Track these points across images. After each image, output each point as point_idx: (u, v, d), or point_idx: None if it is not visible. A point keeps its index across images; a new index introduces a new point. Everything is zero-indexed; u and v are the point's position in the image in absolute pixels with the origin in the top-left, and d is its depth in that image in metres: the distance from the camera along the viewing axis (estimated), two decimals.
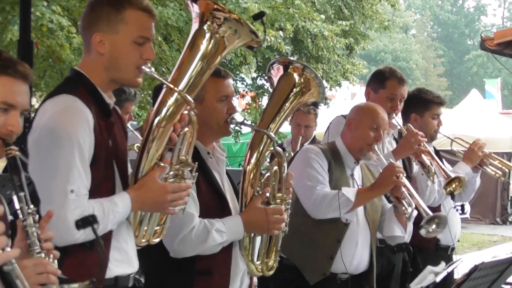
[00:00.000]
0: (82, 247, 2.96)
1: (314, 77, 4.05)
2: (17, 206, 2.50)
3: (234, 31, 3.35)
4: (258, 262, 3.87)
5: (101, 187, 3.07)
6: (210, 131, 3.71)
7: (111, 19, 3.17)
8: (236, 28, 3.35)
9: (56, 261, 2.55)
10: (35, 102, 12.22)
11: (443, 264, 3.74)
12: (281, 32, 15.28)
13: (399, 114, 5.69)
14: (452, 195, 5.52)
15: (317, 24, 16.84)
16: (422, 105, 5.87)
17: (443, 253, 5.77)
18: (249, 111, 17.99)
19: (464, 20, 74.55)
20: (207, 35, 3.33)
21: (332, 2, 18.96)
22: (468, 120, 18.88)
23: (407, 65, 61.33)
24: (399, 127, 5.63)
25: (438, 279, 3.58)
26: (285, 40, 15.80)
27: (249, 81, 18.88)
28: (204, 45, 3.33)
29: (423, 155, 5.45)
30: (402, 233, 4.89)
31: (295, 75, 4.06)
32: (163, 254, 3.60)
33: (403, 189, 4.69)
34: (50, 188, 2.94)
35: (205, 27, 3.33)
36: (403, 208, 4.73)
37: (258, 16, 3.81)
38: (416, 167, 5.70)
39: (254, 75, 18.78)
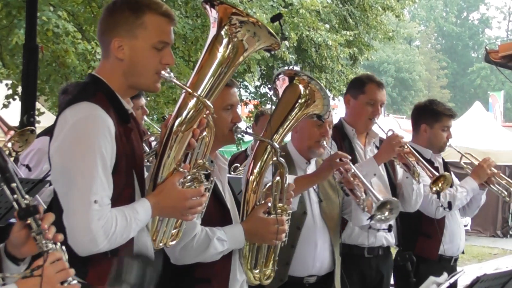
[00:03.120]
0: (105, 256, 2.93)
1: (319, 89, 4.07)
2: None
3: (253, 34, 3.34)
4: (257, 271, 3.86)
5: (122, 195, 3.03)
6: (214, 139, 3.71)
7: (130, 24, 3.11)
8: (255, 31, 3.34)
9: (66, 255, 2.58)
10: (40, 106, 12.24)
11: (445, 275, 3.70)
12: (286, 41, 15.28)
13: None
14: (438, 194, 5.49)
15: (322, 33, 16.88)
16: (432, 116, 5.92)
17: (446, 264, 5.78)
18: (251, 118, 17.99)
19: (468, 32, 74.52)
20: (225, 40, 3.32)
21: (337, 11, 18.95)
22: (470, 132, 18.85)
23: (410, 76, 61.31)
24: (384, 131, 5.56)
25: None
26: (289, 49, 15.79)
27: (252, 89, 18.90)
28: (222, 50, 3.32)
29: (407, 157, 5.38)
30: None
31: (301, 87, 4.07)
32: (164, 261, 3.60)
33: (352, 179, 4.67)
34: (73, 199, 2.90)
35: (223, 32, 3.32)
36: (358, 199, 4.70)
37: (276, 18, 3.82)
38: (400, 173, 5.65)
39: (258, 83, 18.80)
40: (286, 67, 16.86)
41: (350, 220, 5.10)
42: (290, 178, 4.44)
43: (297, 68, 17.44)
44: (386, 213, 4.67)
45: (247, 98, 18.96)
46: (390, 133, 5.40)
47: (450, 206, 5.69)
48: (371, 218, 4.63)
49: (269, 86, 17.74)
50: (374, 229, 5.29)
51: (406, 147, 5.30)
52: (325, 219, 4.82)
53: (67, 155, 2.93)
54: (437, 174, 5.34)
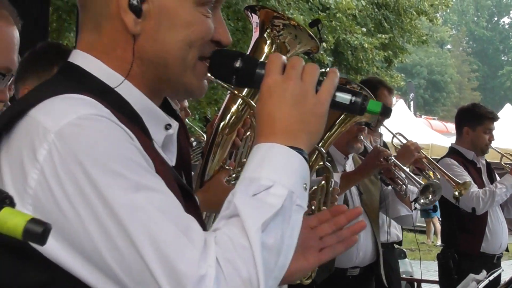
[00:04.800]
0: None
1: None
2: None
3: (294, 36, 3.27)
4: None
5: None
6: None
7: None
8: (296, 34, 3.27)
9: None
10: None
11: (484, 272, 3.67)
12: (324, 44, 15.16)
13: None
14: (457, 200, 5.44)
15: (358, 36, 16.74)
16: (475, 119, 5.90)
17: (489, 261, 5.71)
18: None
19: (499, 36, 73.62)
20: (268, 41, 3.24)
21: (373, 15, 18.77)
22: (501, 133, 18.52)
23: (442, 78, 60.74)
24: (391, 132, 5.62)
25: (480, 287, 3.52)
26: (326, 51, 15.68)
27: None
28: (267, 50, 3.23)
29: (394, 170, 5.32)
30: (408, 212, 4.86)
31: None
32: None
33: (394, 169, 4.67)
34: None
35: (265, 35, 3.25)
36: (399, 187, 4.72)
37: (314, 23, 3.75)
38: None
39: None
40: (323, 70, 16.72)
41: (386, 214, 5.06)
42: (336, 176, 4.39)
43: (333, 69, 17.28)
44: (430, 196, 4.69)
45: None
46: (399, 137, 5.54)
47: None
48: (415, 201, 4.65)
49: None
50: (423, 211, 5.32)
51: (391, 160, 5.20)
52: (367, 211, 4.75)
53: None
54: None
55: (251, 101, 3.09)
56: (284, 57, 1.56)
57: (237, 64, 1.57)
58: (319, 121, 1.53)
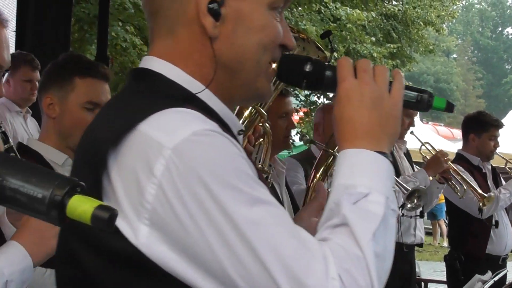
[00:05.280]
0: None
1: None
2: None
3: (302, 49, 3.24)
4: None
5: None
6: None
7: None
8: (304, 46, 3.24)
9: None
10: None
11: (489, 273, 3.68)
12: (334, 53, 15.15)
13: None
14: (481, 211, 5.47)
15: (367, 46, 16.70)
16: (480, 126, 5.92)
17: (494, 263, 5.70)
18: (302, 124, 17.92)
19: (503, 45, 73.26)
20: None
21: (381, 26, 18.71)
22: (505, 139, 18.40)
23: (448, 86, 60.51)
24: (420, 141, 5.82)
25: (486, 287, 3.54)
26: (337, 60, 15.63)
27: (302, 98, 18.78)
28: None
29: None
30: None
31: None
32: None
33: None
34: None
35: None
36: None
37: (326, 35, 3.75)
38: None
39: (307, 92, 18.66)
40: None
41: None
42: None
43: None
44: (415, 201, 4.73)
45: (297, 106, 18.87)
46: (427, 146, 5.74)
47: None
48: (402, 206, 4.70)
49: (318, 94, 17.56)
50: (407, 217, 5.27)
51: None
52: None
53: None
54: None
55: (261, 109, 3.06)
56: (351, 60, 1.54)
57: (307, 68, 1.54)
58: (396, 122, 1.51)
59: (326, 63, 1.57)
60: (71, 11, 6.57)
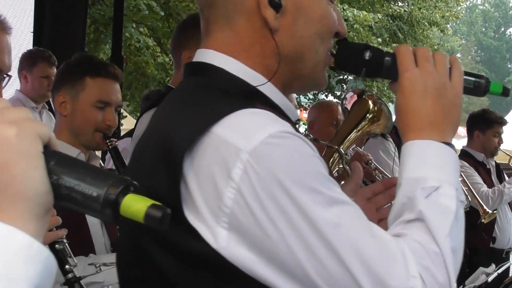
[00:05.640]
0: None
1: (386, 111, 3.86)
2: None
3: None
4: None
5: None
6: None
7: (198, 39, 3.06)
8: None
9: None
10: (123, 111, 12.30)
11: (493, 266, 3.66)
12: None
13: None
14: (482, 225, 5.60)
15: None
16: (485, 123, 5.94)
17: (498, 256, 5.72)
18: None
19: (506, 45, 72.97)
20: None
21: (388, 27, 18.68)
22: (509, 136, 18.34)
23: None
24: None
25: (490, 279, 3.52)
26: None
27: (310, 96, 18.77)
28: None
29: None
30: None
31: (370, 102, 3.86)
32: None
33: (375, 173, 4.64)
34: None
35: None
36: None
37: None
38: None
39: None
40: (345, 77, 16.67)
41: None
42: None
43: (351, 78, 17.24)
44: None
45: (306, 104, 18.86)
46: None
47: None
48: None
49: (326, 93, 17.54)
50: None
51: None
52: None
53: None
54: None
55: None
56: (410, 48, 1.49)
57: (367, 56, 1.49)
58: (459, 111, 1.45)
59: (385, 51, 1.52)
60: (86, 12, 6.58)
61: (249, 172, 1.19)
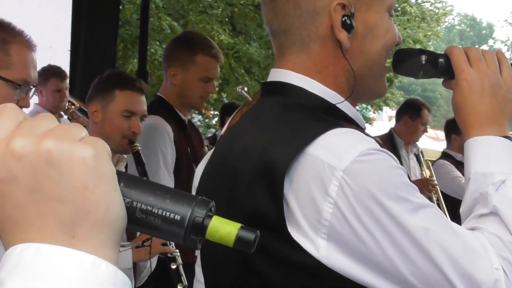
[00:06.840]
0: None
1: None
2: None
3: None
4: None
5: (185, 187, 2.93)
6: None
7: (184, 59, 3.21)
8: None
9: None
10: None
11: None
12: None
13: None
14: None
15: None
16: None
17: None
18: None
19: None
20: None
21: None
22: None
23: (434, 95, 60.25)
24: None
25: None
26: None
27: None
28: None
29: None
30: None
31: None
32: None
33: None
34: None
35: None
36: None
37: None
38: None
39: None
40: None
41: None
42: None
43: None
44: None
45: None
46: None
47: None
48: None
49: None
50: None
51: None
52: None
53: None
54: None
55: None
56: (461, 48, 1.44)
57: (423, 59, 1.45)
58: (511, 105, 1.40)
59: (437, 52, 1.47)
60: (117, 33, 6.60)
61: (345, 188, 1.18)
